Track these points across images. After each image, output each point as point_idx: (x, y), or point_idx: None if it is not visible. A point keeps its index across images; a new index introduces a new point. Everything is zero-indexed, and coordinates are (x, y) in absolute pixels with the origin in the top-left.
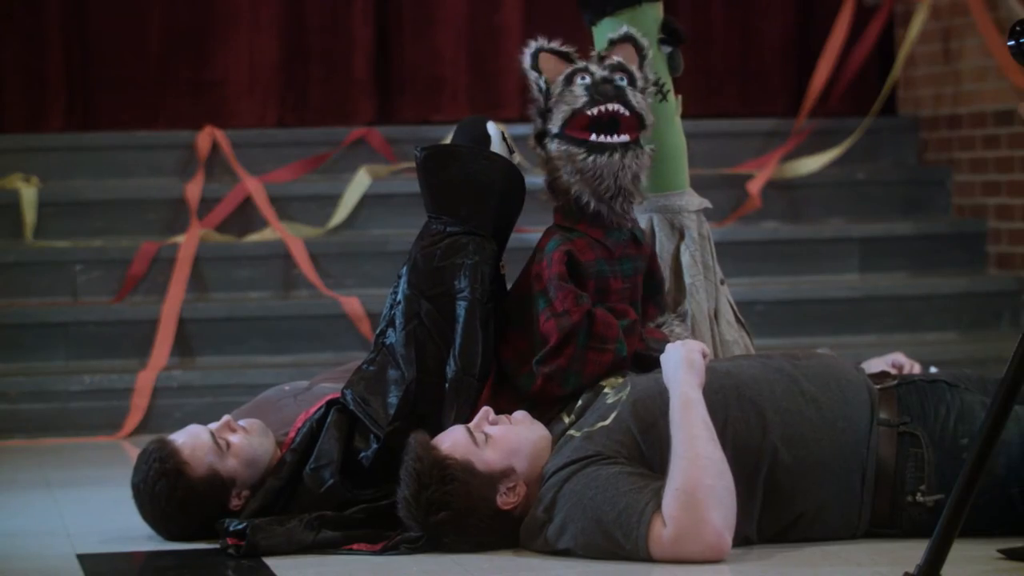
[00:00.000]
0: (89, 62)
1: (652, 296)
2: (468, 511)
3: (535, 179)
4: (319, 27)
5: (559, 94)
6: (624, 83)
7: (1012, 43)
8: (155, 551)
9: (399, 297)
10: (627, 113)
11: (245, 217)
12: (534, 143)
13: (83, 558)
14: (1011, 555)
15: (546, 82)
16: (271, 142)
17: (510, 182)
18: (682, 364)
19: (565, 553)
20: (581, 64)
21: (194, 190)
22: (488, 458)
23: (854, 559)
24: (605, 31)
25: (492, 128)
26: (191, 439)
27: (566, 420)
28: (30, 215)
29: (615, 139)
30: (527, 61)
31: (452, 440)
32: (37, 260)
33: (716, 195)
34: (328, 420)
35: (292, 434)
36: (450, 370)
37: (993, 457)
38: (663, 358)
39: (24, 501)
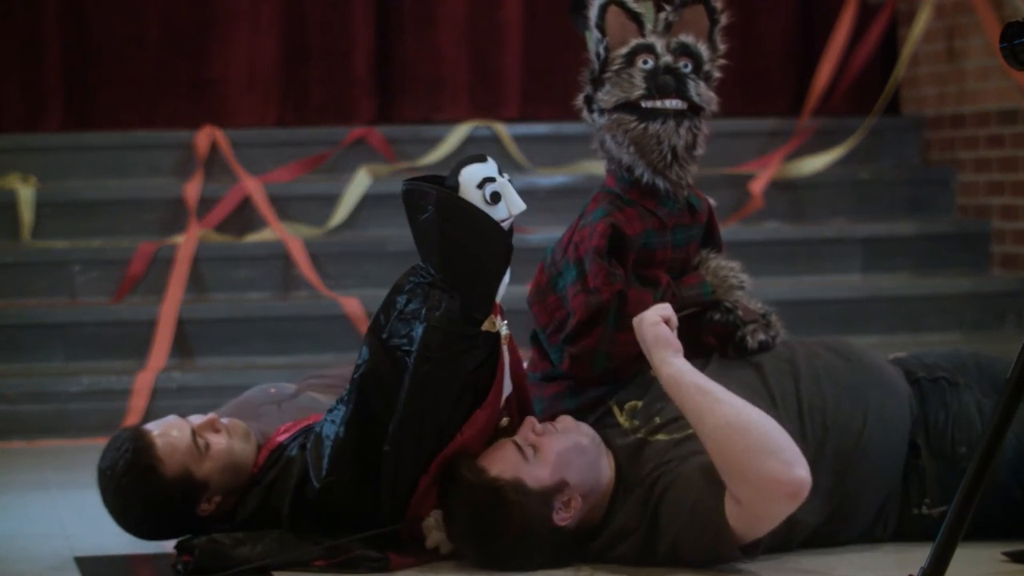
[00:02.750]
0: (87, 61)
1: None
2: (525, 533)
3: (537, 179)
4: (319, 26)
5: (616, 71)
6: (688, 70)
7: (1004, 45)
8: (154, 554)
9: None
10: (684, 107)
11: (244, 217)
12: (582, 105)
13: (81, 560)
14: (1015, 558)
15: (606, 48)
16: (271, 142)
17: (485, 238)
18: (649, 343)
19: (655, 555)
20: (647, 40)
21: (193, 190)
22: (539, 474)
23: (856, 564)
24: None
25: (465, 175)
26: (168, 435)
27: (623, 421)
28: (28, 215)
29: (668, 104)
30: (594, 16)
31: (501, 459)
32: (35, 260)
33: (718, 195)
34: (293, 455)
35: (264, 453)
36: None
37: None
38: (636, 334)
39: (22, 503)
